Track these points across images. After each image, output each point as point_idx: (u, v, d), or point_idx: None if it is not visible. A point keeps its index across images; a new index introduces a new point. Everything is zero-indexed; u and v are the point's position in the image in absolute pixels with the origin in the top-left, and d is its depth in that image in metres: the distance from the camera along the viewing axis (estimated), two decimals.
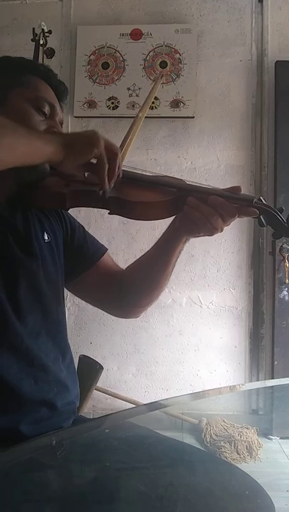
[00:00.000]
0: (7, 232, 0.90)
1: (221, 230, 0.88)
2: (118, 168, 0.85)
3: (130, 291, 1.06)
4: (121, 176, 0.86)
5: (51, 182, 0.91)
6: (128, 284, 1.06)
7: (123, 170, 0.93)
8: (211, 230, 0.87)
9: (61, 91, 0.96)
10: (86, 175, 0.90)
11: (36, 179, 0.90)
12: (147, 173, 0.97)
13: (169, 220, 0.98)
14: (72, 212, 1.02)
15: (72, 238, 1.06)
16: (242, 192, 0.90)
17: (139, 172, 0.95)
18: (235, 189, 0.90)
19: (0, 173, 0.86)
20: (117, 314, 1.18)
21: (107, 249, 1.11)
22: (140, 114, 0.88)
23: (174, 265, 1.01)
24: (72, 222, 1.08)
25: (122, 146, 0.87)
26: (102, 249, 1.10)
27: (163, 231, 1.01)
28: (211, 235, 0.88)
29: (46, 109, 0.91)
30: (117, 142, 0.94)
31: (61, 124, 0.95)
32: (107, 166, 0.82)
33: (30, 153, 0.76)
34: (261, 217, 0.87)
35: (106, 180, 0.83)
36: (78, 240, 1.07)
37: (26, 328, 0.90)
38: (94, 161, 0.83)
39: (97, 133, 0.83)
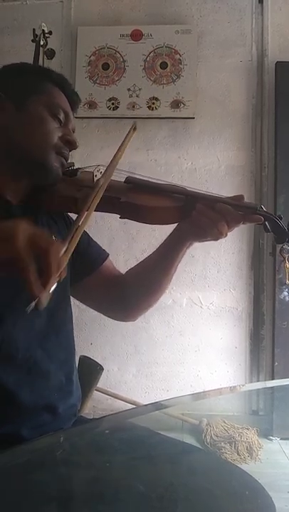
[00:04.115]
0: None
1: (226, 235, 0.92)
2: (57, 269, 0.64)
3: (132, 294, 1.07)
4: (64, 275, 0.68)
5: (64, 186, 0.94)
6: (130, 287, 1.07)
7: (133, 177, 0.97)
8: (217, 235, 0.92)
9: (74, 100, 0.99)
10: (95, 180, 0.92)
11: (50, 183, 0.93)
12: (155, 181, 1.00)
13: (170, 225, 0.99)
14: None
15: (78, 243, 1.07)
16: (243, 195, 0.95)
17: (147, 179, 0.99)
18: (239, 198, 0.95)
19: (14, 175, 0.88)
20: (117, 318, 1.19)
21: (108, 254, 1.12)
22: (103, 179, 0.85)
23: (176, 269, 1.03)
24: None
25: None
26: (104, 254, 1.12)
27: (163, 232, 1.02)
28: (216, 239, 0.93)
29: (61, 117, 0.93)
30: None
31: (73, 131, 0.97)
32: (30, 270, 0.62)
33: None
34: (266, 223, 0.92)
35: (33, 289, 0.62)
36: (83, 245, 1.08)
37: (32, 331, 0.90)
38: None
39: (18, 225, 0.64)
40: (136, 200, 0.93)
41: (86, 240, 1.10)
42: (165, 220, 0.95)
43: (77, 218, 0.83)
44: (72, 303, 1.04)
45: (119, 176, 0.97)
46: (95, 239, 1.14)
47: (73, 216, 1.06)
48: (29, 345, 0.90)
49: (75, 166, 1.01)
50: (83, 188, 0.93)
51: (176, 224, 0.99)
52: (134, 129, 0.97)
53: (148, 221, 0.95)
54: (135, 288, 1.06)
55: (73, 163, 1.01)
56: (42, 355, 0.91)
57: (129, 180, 0.98)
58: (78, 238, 0.77)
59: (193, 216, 0.92)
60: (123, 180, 0.98)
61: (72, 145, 0.94)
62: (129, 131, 0.96)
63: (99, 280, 1.08)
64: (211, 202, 0.92)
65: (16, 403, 0.87)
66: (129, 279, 1.09)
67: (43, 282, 0.63)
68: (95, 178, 0.94)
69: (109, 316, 1.19)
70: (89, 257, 1.08)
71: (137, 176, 0.98)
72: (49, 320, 0.94)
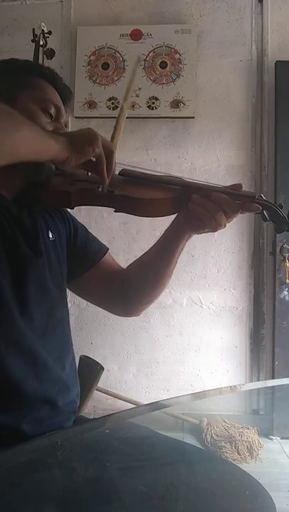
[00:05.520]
0: (16, 229, 0.91)
1: (224, 226, 0.90)
2: (114, 165, 0.89)
3: (133, 289, 1.07)
4: (115, 172, 0.91)
5: (57, 181, 0.93)
6: (130, 282, 1.07)
7: (128, 169, 0.96)
8: (215, 226, 0.89)
9: (66, 94, 0.98)
10: (89, 174, 0.91)
11: (43, 178, 0.92)
12: (151, 173, 0.98)
13: (170, 219, 0.98)
14: (73, 212, 1.03)
15: (76, 238, 1.07)
16: (241, 183, 0.93)
17: (143, 171, 0.97)
18: (237, 186, 0.92)
19: (8, 171, 0.87)
20: (119, 313, 1.19)
21: (108, 249, 1.12)
22: (124, 105, 0.94)
23: (176, 262, 1.02)
24: (75, 222, 1.09)
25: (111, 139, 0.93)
26: (103, 249, 1.11)
27: (163, 230, 1.01)
28: (214, 230, 0.90)
29: (52, 111, 0.93)
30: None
31: (66, 125, 0.97)
32: (105, 163, 0.86)
33: (40, 150, 0.79)
34: (264, 212, 0.89)
35: (105, 177, 0.87)
36: (81, 239, 1.08)
37: (32, 325, 0.91)
38: (92, 158, 0.87)
39: (95, 131, 0.86)
40: (130, 192, 0.91)
41: (85, 234, 1.10)
42: (160, 212, 0.92)
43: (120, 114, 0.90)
44: (72, 302, 1.04)
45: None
46: None
47: (70, 211, 1.06)
48: (33, 337, 0.90)
49: None
50: (77, 182, 0.93)
51: (174, 216, 0.98)
52: (139, 60, 1.00)
53: (143, 214, 0.93)
54: (136, 282, 1.06)
55: None
56: (43, 348, 0.92)
57: (123, 173, 0.96)
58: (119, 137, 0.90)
59: (190, 207, 0.89)
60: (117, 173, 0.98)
61: None
62: (135, 64, 1.00)
63: (99, 275, 1.08)
64: (207, 192, 0.89)
65: (20, 393, 0.87)
66: (130, 273, 1.08)
67: (108, 174, 0.87)
68: (89, 174, 0.94)
69: (111, 312, 1.18)
70: (88, 252, 1.08)
71: (132, 169, 0.96)
72: (48, 314, 0.95)
